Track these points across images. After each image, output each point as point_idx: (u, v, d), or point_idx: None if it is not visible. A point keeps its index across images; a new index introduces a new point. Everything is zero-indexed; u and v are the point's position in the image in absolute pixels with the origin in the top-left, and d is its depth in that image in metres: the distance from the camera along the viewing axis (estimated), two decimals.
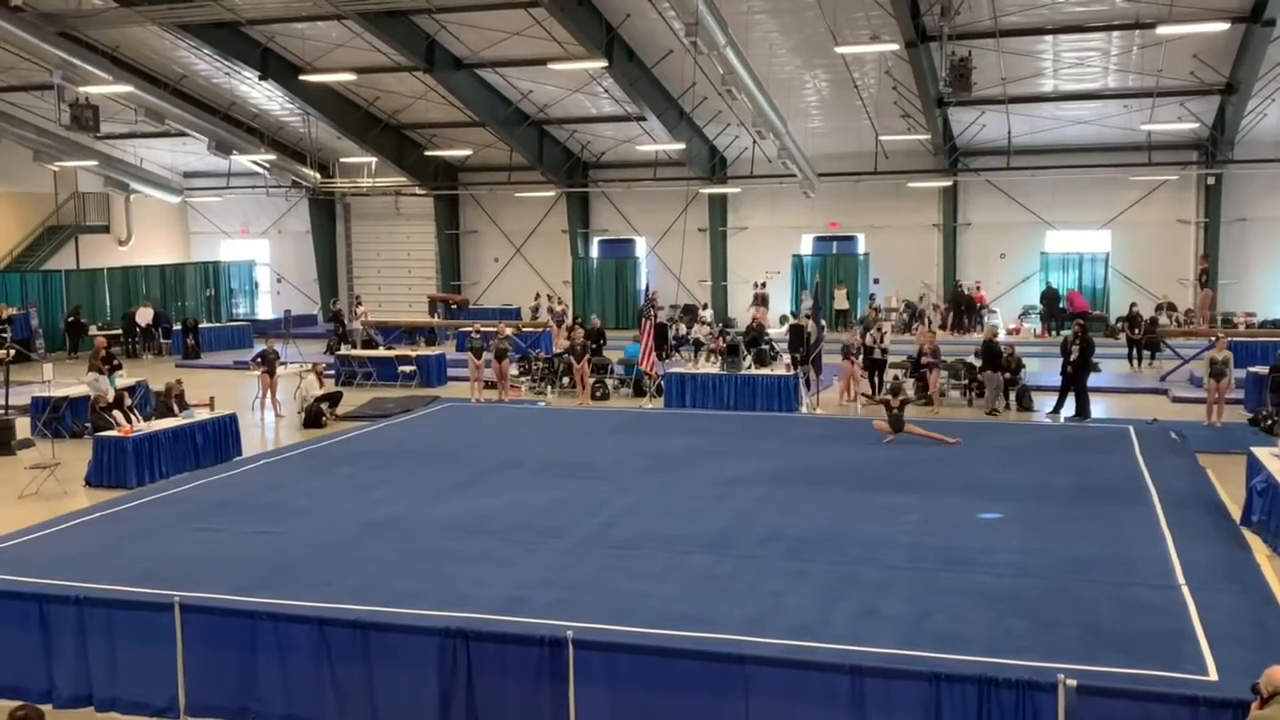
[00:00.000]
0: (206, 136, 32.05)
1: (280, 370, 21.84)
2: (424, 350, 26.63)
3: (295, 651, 8.55)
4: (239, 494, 13.56)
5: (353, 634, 8.47)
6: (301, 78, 29.11)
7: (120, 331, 31.93)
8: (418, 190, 37.05)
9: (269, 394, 21.11)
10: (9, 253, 35.25)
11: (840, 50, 23.83)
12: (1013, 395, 20.58)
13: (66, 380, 21.13)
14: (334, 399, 20.81)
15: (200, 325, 32.47)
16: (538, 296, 34.91)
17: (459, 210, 38.36)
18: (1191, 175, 30.75)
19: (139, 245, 38.97)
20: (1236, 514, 12.41)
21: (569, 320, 30.11)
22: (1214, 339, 20.55)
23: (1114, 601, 9.17)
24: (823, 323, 21.98)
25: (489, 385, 22.77)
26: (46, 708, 8.13)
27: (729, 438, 17.08)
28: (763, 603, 9.21)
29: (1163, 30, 21.74)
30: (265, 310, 40.48)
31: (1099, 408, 20.10)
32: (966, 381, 21.74)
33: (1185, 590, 9.44)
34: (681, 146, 30.82)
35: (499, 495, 13.26)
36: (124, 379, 20.30)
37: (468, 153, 34.30)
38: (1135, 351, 26.03)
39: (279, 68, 29.36)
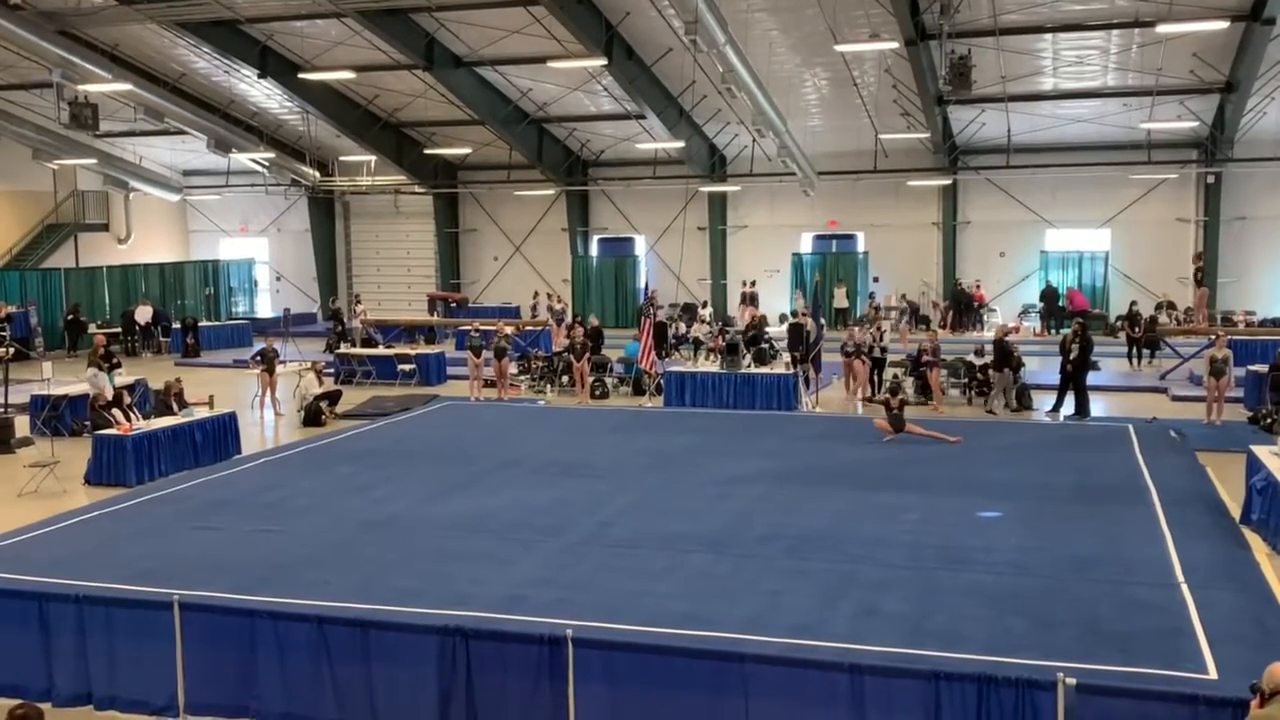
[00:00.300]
0: (205, 135, 32.05)
1: (279, 369, 21.84)
2: (423, 349, 26.62)
3: (295, 650, 8.55)
4: (238, 492, 13.54)
5: (352, 632, 8.47)
6: (300, 76, 29.11)
7: (119, 330, 31.95)
8: (417, 188, 37.06)
9: (268, 392, 21.11)
10: (8, 251, 35.26)
11: (840, 48, 23.86)
12: (1012, 394, 20.57)
13: (66, 378, 21.14)
14: (333, 398, 20.81)
15: (199, 324, 32.49)
16: (536, 295, 34.92)
17: (458, 208, 38.36)
18: (1191, 174, 30.76)
19: (138, 243, 38.98)
20: (1236, 512, 12.41)
21: (568, 319, 30.11)
22: (1213, 337, 20.55)
23: (1113, 600, 9.16)
24: (822, 321, 21.99)
25: (488, 384, 22.77)
26: (46, 706, 8.13)
27: (728, 436, 17.07)
28: (762, 601, 9.21)
29: (1162, 29, 21.75)
30: (264, 309, 40.48)
31: (1099, 406, 20.10)
32: (966, 380, 21.75)
33: (1185, 589, 9.44)
34: (681, 145, 30.82)
35: (498, 494, 13.25)
36: (123, 377, 20.29)
37: (467, 151, 34.29)
38: (1135, 350, 26.05)
39: (278, 66, 29.36)
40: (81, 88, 26.55)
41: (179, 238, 41.58)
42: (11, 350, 23.26)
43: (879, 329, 22.57)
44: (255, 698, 8.61)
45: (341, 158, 36.39)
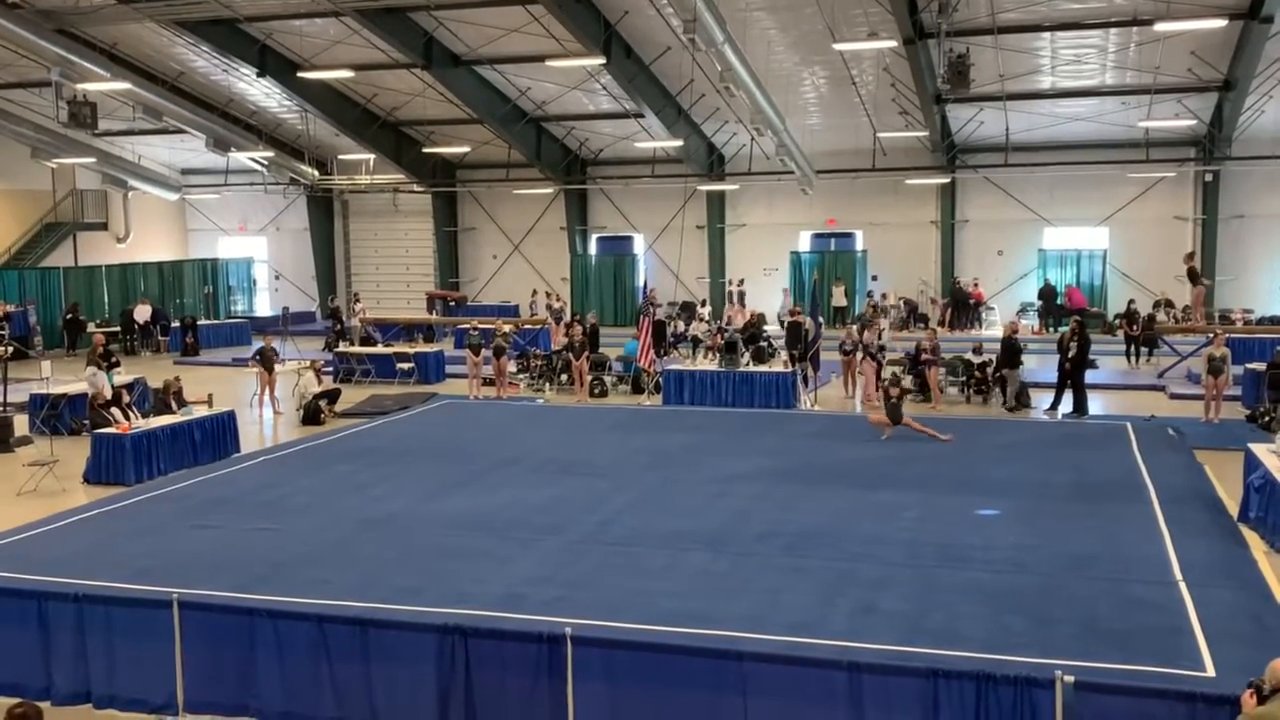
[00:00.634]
0: (204, 133, 32.03)
1: (278, 367, 21.84)
2: (422, 347, 26.61)
3: (294, 648, 8.56)
4: (237, 491, 13.55)
5: (351, 631, 8.48)
6: (299, 74, 29.08)
7: (118, 329, 31.93)
8: (416, 187, 37.04)
9: (267, 391, 21.11)
10: (7, 250, 35.23)
11: (838, 47, 23.86)
12: (1009, 392, 20.58)
13: (65, 377, 21.13)
14: (332, 396, 20.81)
15: (198, 322, 32.49)
16: (534, 293, 34.93)
17: (457, 207, 38.35)
18: (1189, 172, 30.77)
19: (137, 242, 38.97)
20: (1234, 510, 12.42)
21: (567, 317, 30.10)
22: (1212, 335, 20.57)
23: (1112, 598, 9.18)
24: (820, 319, 22.00)
25: (487, 382, 22.77)
26: (45, 705, 8.14)
27: (727, 435, 17.09)
28: (761, 599, 9.22)
29: (1160, 27, 21.74)
30: (263, 307, 40.46)
31: (1097, 404, 20.11)
32: (964, 379, 21.76)
33: (1183, 587, 9.45)
34: (679, 143, 30.82)
35: (497, 492, 13.26)
36: (122, 376, 20.27)
37: (466, 150, 34.28)
38: (1133, 348, 26.08)
39: (277, 65, 29.34)
40: (80, 86, 26.53)
41: (178, 236, 41.56)
42: (10, 349, 23.24)
43: (877, 328, 22.56)
44: (254, 696, 8.62)
45: (340, 156, 36.36)
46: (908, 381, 20.92)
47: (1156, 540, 10.90)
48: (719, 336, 23.76)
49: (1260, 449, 12.78)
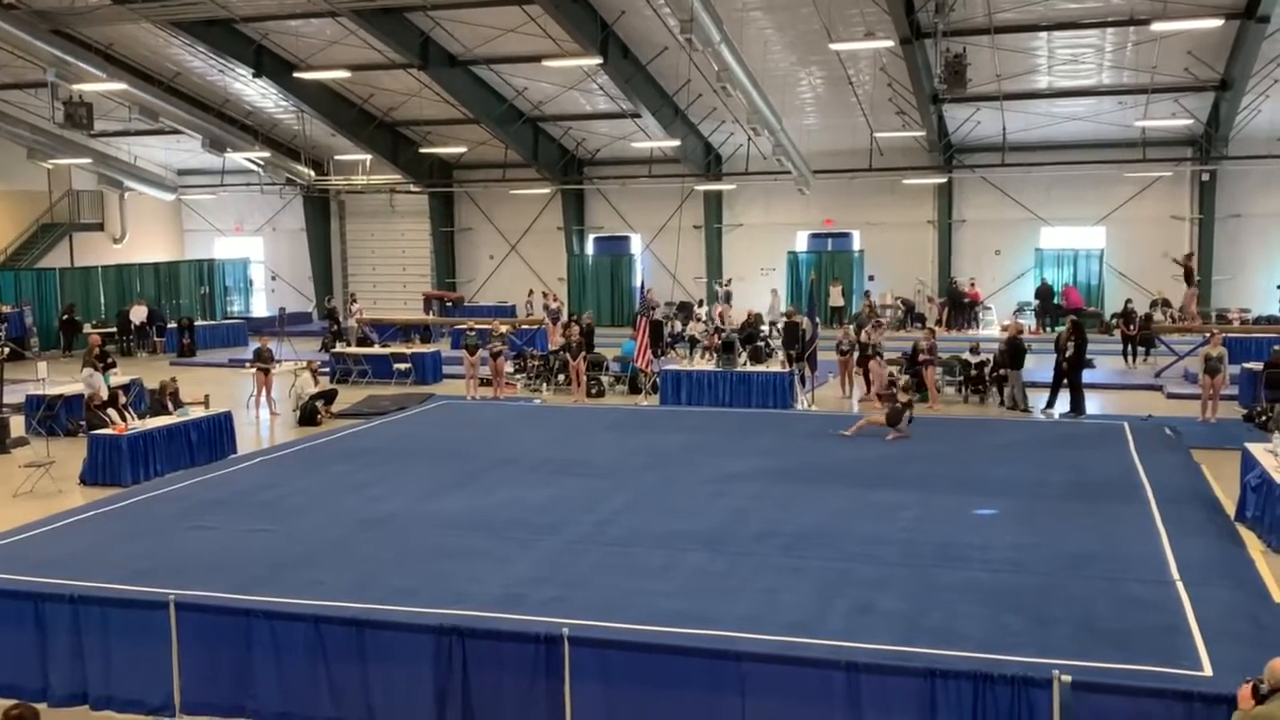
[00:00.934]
0: (200, 134, 32.00)
1: (275, 368, 21.82)
2: (419, 348, 26.60)
3: (291, 649, 8.54)
4: (234, 492, 13.53)
5: (348, 631, 8.47)
6: (295, 75, 29.07)
7: (115, 330, 31.88)
8: (412, 187, 37.02)
9: (264, 392, 21.09)
10: (3, 251, 35.20)
11: (835, 47, 23.85)
12: (1007, 392, 20.59)
13: (61, 378, 21.07)
14: (329, 397, 20.79)
15: (195, 323, 32.44)
16: (531, 293, 34.92)
17: (454, 207, 38.34)
18: (1186, 171, 30.80)
19: (133, 243, 38.91)
20: (1231, 510, 12.43)
21: (564, 317, 30.10)
22: (1208, 335, 20.58)
23: (1109, 597, 9.18)
24: (817, 320, 22.01)
25: (484, 383, 22.76)
26: (41, 706, 8.14)
27: (725, 434, 17.08)
28: (758, 599, 9.21)
29: (1157, 27, 21.75)
30: (260, 308, 40.44)
31: (1094, 404, 20.13)
32: (962, 378, 21.77)
33: (1180, 586, 9.45)
34: (676, 143, 30.82)
35: (495, 492, 13.25)
36: (118, 377, 20.25)
37: (462, 150, 34.26)
38: (1130, 348, 26.10)
39: (273, 65, 29.32)
40: (76, 87, 26.48)
41: (174, 237, 41.52)
42: (6, 350, 23.19)
43: (884, 329, 22.53)
44: (251, 697, 8.61)
45: (337, 157, 36.34)
46: (904, 381, 20.91)
47: (1154, 540, 10.91)
48: (716, 337, 23.75)
49: (1257, 448, 12.77)
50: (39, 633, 9.05)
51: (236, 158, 34.61)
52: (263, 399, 21.12)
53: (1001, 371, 20.65)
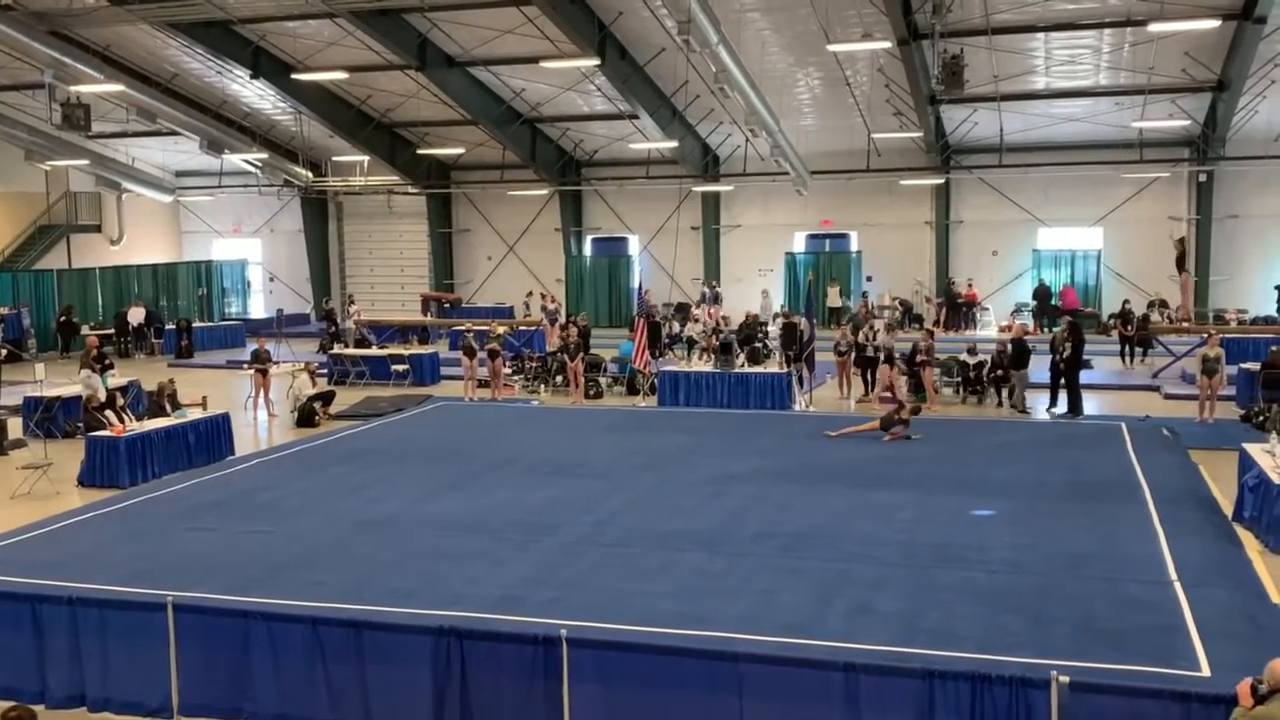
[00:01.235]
0: (198, 135, 32.00)
1: (273, 370, 21.81)
2: (417, 349, 26.60)
3: (289, 651, 8.54)
4: (232, 493, 13.53)
5: (346, 633, 8.46)
6: (293, 76, 29.06)
7: (112, 331, 31.88)
8: (410, 189, 36.99)
9: (262, 393, 21.09)
10: (0, 252, 35.14)
11: (832, 48, 23.86)
12: (1005, 393, 20.62)
13: (59, 380, 21.06)
14: (327, 398, 20.79)
15: (193, 325, 32.43)
16: (529, 295, 34.90)
17: (452, 209, 38.31)
18: (1183, 172, 30.81)
19: (131, 244, 38.87)
20: (1228, 510, 12.46)
21: (562, 318, 30.09)
22: (1206, 336, 20.61)
23: (1107, 598, 9.18)
24: (814, 320, 22.01)
25: (482, 384, 22.76)
26: (39, 708, 8.13)
27: (722, 436, 17.08)
28: (756, 600, 9.22)
29: (1154, 28, 21.78)
30: (258, 309, 40.40)
31: (1092, 405, 20.14)
32: (960, 379, 21.79)
33: (1178, 586, 9.45)
34: (674, 144, 30.82)
35: (493, 494, 13.25)
36: (116, 379, 20.25)
37: (460, 151, 34.25)
38: (1127, 348, 26.11)
39: (270, 66, 29.31)
40: (73, 89, 26.47)
41: (172, 239, 41.47)
42: (4, 352, 23.21)
43: (872, 328, 22.57)
44: (249, 699, 8.60)
45: (334, 158, 36.33)
46: (902, 383, 20.96)
47: (1151, 540, 10.91)
48: (714, 338, 23.76)
49: (1255, 449, 12.79)
50: (37, 634, 9.04)
51: (234, 159, 34.59)
52: (260, 400, 21.12)
53: (1000, 372, 20.66)
